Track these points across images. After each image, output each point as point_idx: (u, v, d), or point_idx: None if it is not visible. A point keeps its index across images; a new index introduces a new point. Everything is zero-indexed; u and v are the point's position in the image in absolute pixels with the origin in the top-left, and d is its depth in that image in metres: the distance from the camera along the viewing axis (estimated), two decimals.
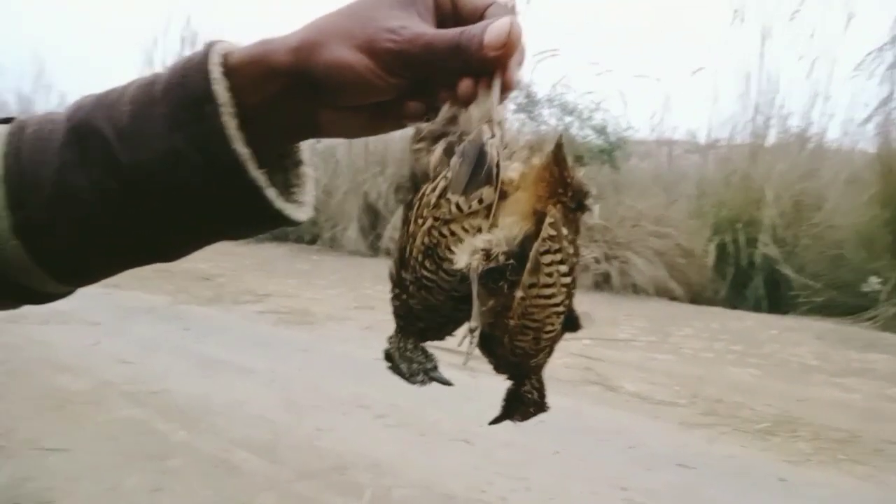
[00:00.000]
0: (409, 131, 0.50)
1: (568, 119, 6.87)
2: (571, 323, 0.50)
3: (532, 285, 0.44)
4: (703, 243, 5.73)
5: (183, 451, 2.39)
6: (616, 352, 3.96)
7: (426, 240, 0.46)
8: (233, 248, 6.91)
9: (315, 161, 8.01)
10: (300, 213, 0.48)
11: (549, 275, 0.44)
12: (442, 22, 0.46)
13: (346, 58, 0.41)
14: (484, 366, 0.53)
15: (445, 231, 0.45)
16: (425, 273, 0.47)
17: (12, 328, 3.79)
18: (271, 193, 0.43)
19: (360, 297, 5.05)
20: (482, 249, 0.44)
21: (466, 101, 0.46)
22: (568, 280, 0.45)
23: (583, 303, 0.50)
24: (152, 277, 5.49)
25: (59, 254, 0.43)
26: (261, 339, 3.88)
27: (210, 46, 0.43)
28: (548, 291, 0.44)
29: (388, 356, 0.56)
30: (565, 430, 2.67)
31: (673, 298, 5.54)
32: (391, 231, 6.95)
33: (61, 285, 0.46)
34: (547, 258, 0.43)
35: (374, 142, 7.78)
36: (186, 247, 0.48)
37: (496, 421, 0.56)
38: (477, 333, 0.46)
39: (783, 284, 5.45)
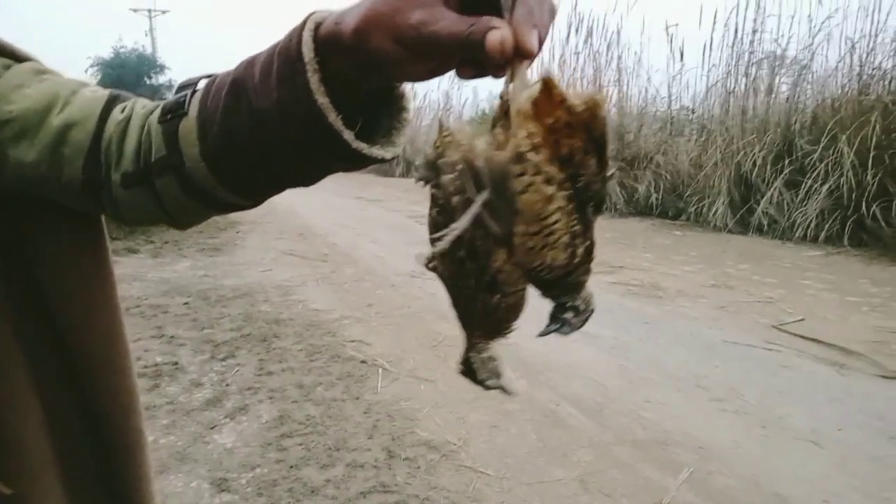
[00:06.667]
0: None
1: None
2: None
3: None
4: None
5: (520, 397, 2.66)
6: None
7: None
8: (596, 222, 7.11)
9: (690, 132, 7.59)
10: (384, 152, 0.53)
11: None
12: None
13: (385, 48, 0.44)
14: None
15: None
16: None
17: (416, 281, 4.71)
18: (349, 136, 0.50)
19: (719, 276, 4.68)
20: None
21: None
22: None
23: None
24: None
25: (229, 176, 0.57)
26: (607, 308, 3.95)
27: (310, 15, 0.50)
28: None
29: None
30: None
31: None
32: (765, 206, 6.22)
33: (242, 199, 0.59)
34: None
35: (754, 108, 7.03)
36: (310, 176, 0.57)
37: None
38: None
39: None
